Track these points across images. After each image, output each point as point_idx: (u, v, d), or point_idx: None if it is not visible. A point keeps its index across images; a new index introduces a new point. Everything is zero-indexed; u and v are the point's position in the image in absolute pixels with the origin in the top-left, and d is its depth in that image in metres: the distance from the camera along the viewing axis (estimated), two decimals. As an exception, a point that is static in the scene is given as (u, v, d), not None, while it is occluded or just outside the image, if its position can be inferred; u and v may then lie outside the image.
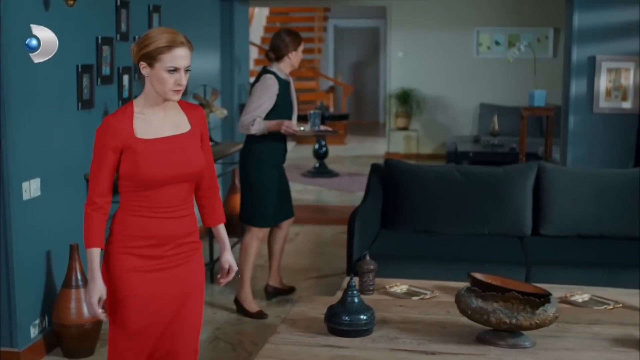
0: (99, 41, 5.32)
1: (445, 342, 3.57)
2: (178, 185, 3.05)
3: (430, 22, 11.98)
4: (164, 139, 3.03)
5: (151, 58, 2.93)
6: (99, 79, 5.35)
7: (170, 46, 2.93)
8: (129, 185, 3.02)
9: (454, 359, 3.41)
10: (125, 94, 5.74)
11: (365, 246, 5.28)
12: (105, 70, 5.44)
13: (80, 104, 5.10)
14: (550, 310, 3.48)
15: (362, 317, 3.63)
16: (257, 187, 5.45)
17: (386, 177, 5.85)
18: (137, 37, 5.86)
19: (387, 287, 4.44)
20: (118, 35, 5.62)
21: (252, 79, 14.14)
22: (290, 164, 11.55)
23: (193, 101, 6.84)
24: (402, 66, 12.32)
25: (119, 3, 5.59)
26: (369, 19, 14.85)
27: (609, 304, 4.21)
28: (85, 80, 5.14)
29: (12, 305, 4.47)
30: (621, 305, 4.21)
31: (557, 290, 4.42)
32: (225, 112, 6.77)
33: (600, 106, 7.43)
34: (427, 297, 4.30)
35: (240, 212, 5.58)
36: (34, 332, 4.67)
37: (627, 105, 7.40)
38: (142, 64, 2.96)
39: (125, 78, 5.73)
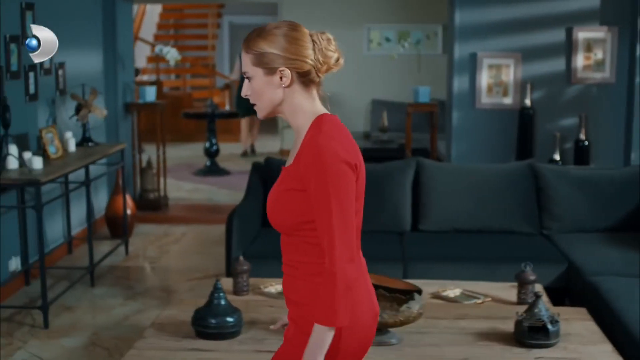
0: (-35, 40, 5.13)
1: (313, 341, 3.57)
2: (282, 235, 2.41)
3: (321, 19, 11.98)
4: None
5: None
6: (-35, 80, 5.16)
7: None
8: None
9: (319, 359, 3.41)
10: (-7, 95, 5.55)
11: (244, 246, 5.25)
12: (-27, 70, 5.25)
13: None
14: (414, 307, 3.52)
15: (228, 319, 3.61)
16: None
17: (267, 176, 5.82)
18: (7, 35, 5.70)
19: (262, 287, 4.42)
20: (-14, 34, 5.43)
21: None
22: (181, 163, 11.41)
23: (71, 102, 6.67)
24: (294, 63, 12.29)
25: (-14, 1, 5.41)
26: (263, 16, 14.76)
27: (479, 298, 4.28)
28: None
29: None
30: (490, 299, 4.28)
31: (430, 286, 4.46)
32: (105, 111, 6.62)
33: (482, 102, 7.57)
34: (301, 296, 4.28)
35: None
36: None
37: (507, 100, 7.56)
38: None
39: (-7, 78, 5.54)
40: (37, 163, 5.40)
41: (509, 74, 7.53)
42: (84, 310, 5.57)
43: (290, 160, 2.34)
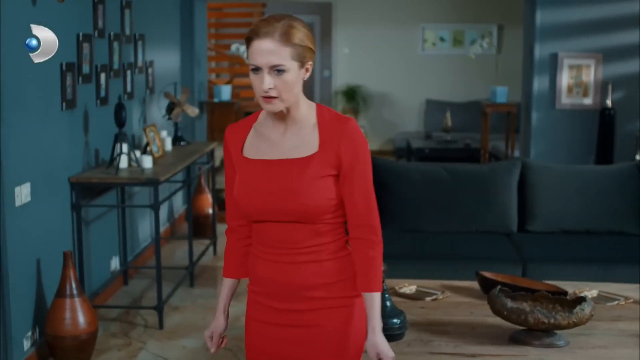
0: (80, 38, 5.10)
1: (480, 343, 3.53)
2: (288, 224, 2.37)
3: (376, 19, 11.98)
4: (269, 162, 2.38)
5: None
6: (80, 78, 5.14)
7: (250, 37, 2.28)
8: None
9: (495, 361, 3.38)
10: (102, 94, 5.52)
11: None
12: (85, 68, 5.22)
13: (64, 104, 4.89)
14: (587, 309, 3.47)
15: (395, 320, 3.56)
16: None
17: (380, 176, 5.77)
18: (112, 34, 5.67)
19: (396, 288, 4.37)
20: (96, 32, 5.40)
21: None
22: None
23: (163, 100, 6.65)
24: (347, 63, 12.29)
25: (96, -1, 5.38)
26: (304, 15, 14.71)
27: (619, 300, 4.23)
28: (68, 79, 4.92)
29: (6, 318, 4.22)
30: (632, 300, 4.23)
31: (564, 287, 4.42)
32: (196, 110, 6.59)
33: (562, 102, 7.54)
34: (440, 297, 4.25)
35: None
36: (26, 344, 4.44)
37: (588, 101, 7.53)
38: None
39: (103, 76, 5.51)
40: (147, 162, 5.37)
41: (590, 75, 7.50)
42: (191, 311, 5.54)
43: (306, 150, 2.36)
